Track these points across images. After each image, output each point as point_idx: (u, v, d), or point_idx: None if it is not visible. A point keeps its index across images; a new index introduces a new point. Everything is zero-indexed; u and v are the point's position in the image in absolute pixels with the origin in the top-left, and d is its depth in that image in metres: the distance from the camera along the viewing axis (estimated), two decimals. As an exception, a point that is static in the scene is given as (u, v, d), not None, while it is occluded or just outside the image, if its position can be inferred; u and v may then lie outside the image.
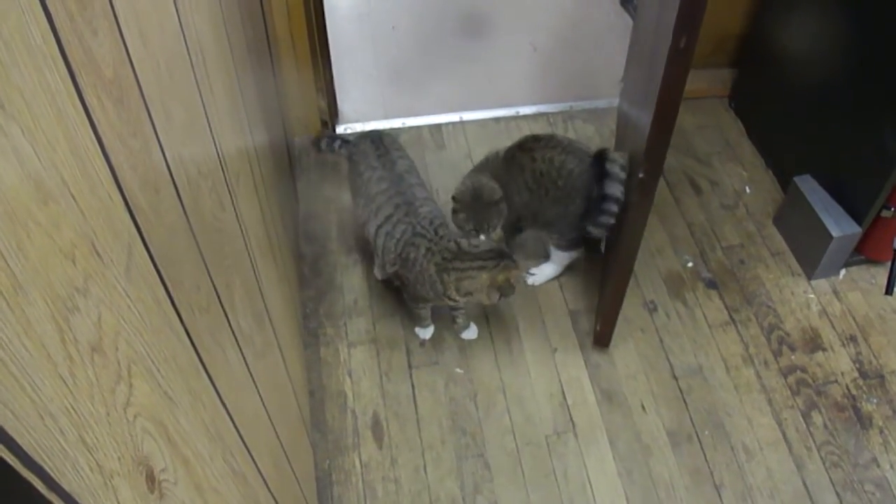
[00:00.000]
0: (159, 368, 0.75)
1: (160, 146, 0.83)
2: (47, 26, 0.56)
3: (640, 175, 1.75)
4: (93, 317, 0.60)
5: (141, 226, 0.73)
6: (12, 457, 0.48)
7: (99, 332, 0.61)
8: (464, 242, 2.02)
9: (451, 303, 2.11)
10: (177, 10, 0.99)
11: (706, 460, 2.10)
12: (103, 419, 0.61)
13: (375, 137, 2.32)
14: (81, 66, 0.62)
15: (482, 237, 2.17)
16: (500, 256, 2.00)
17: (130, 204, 0.70)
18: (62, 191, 0.56)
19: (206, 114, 1.11)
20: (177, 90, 0.95)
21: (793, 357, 2.32)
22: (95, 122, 0.63)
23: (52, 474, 0.53)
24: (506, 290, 2.02)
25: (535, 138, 2.31)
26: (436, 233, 2.06)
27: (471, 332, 2.33)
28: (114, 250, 0.66)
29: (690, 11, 1.43)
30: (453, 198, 2.21)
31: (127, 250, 0.69)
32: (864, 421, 2.18)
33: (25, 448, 0.49)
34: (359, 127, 2.99)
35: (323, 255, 2.56)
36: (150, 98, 0.81)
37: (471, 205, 2.19)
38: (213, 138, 1.15)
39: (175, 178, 0.87)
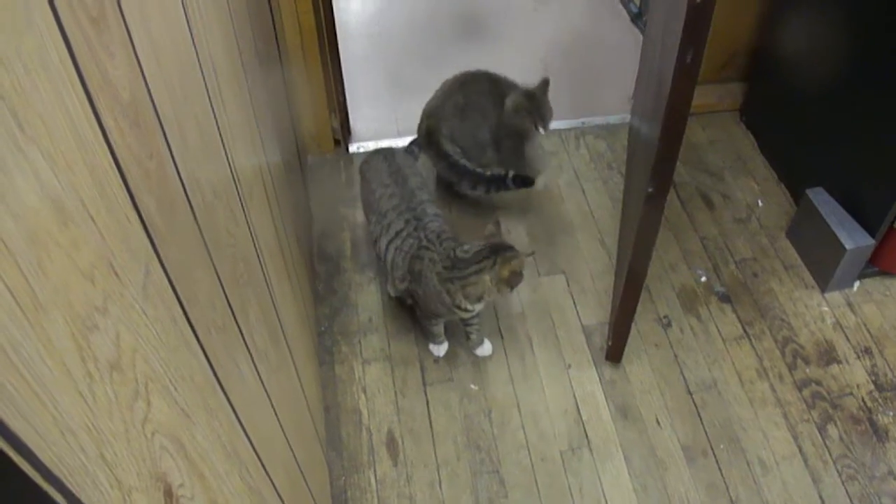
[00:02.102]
0: (176, 386, 0.76)
1: (175, 166, 0.84)
2: (65, 50, 0.58)
3: (650, 190, 1.75)
4: (111, 335, 0.61)
5: (157, 245, 0.74)
6: (34, 471, 0.49)
7: (117, 351, 0.62)
8: (458, 250, 2.03)
9: (465, 313, 2.11)
10: (190, 32, 1.01)
11: (721, 475, 2.10)
12: (122, 436, 0.62)
13: (388, 154, 2.33)
14: (99, 88, 0.63)
15: (542, 131, 2.66)
16: (495, 252, 2.00)
17: (147, 224, 0.71)
18: (81, 212, 0.58)
19: (219, 133, 1.12)
20: (191, 110, 0.97)
21: (807, 370, 2.31)
22: (113, 144, 0.64)
23: (72, 489, 0.54)
24: (514, 280, 2.02)
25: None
26: (441, 244, 2.08)
27: (485, 349, 2.33)
28: (131, 270, 0.67)
29: (696, 26, 1.43)
30: (515, 106, 2.62)
31: (144, 270, 0.70)
32: (880, 434, 2.17)
33: (46, 463, 0.50)
34: (371, 145, 3.01)
35: (337, 274, 2.57)
36: (166, 119, 0.82)
37: (530, 105, 2.62)
38: (227, 157, 1.16)
39: (190, 198, 0.89)
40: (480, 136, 2.66)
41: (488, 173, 2.60)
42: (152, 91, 0.78)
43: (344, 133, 3.00)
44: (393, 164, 2.29)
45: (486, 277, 1.99)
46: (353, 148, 3.02)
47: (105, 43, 0.66)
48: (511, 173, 2.60)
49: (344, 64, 2.85)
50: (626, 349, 2.30)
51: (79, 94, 0.59)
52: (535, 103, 2.62)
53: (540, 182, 2.80)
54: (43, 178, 0.52)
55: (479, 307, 2.10)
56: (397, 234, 2.14)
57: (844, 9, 2.43)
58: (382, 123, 3.12)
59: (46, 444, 0.50)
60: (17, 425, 0.47)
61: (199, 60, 1.04)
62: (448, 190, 2.73)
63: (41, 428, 0.50)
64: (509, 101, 2.64)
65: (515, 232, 2.69)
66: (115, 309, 0.62)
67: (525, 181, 2.64)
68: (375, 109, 3.19)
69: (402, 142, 3.01)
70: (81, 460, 0.55)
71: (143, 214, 0.70)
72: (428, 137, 2.65)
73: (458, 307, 2.06)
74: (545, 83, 2.65)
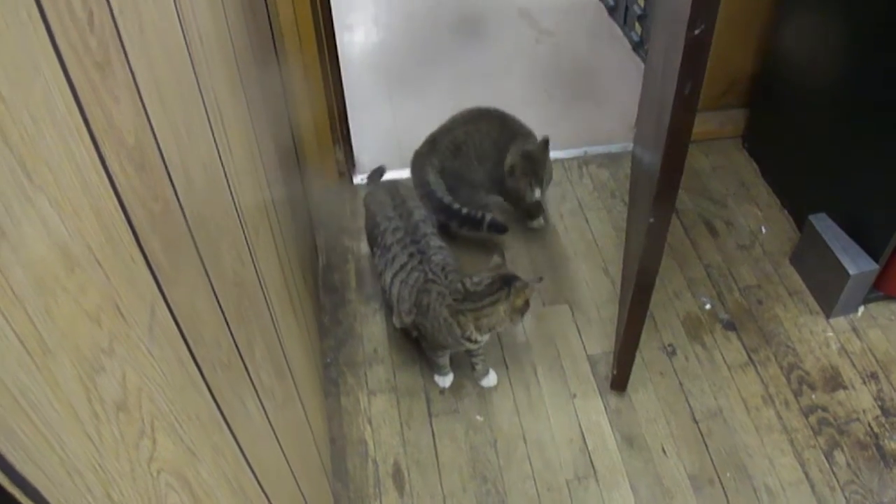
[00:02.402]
0: (182, 424, 0.77)
1: (180, 206, 0.85)
2: (71, 98, 0.59)
3: (651, 220, 1.76)
4: (118, 376, 0.62)
5: (163, 285, 0.75)
6: (42, 514, 0.50)
7: (124, 391, 0.63)
8: (468, 282, 2.04)
9: (473, 345, 2.12)
10: (195, 74, 1.02)
11: (728, 503, 2.09)
12: (128, 475, 0.63)
13: (392, 187, 2.35)
14: (104, 134, 0.64)
15: (537, 195, 2.59)
16: (507, 283, 2.02)
17: (152, 265, 0.73)
18: (87, 257, 0.59)
19: (224, 170, 1.14)
20: (195, 150, 0.98)
21: (813, 396, 2.31)
22: (118, 188, 0.66)
23: (80, 530, 0.55)
24: (524, 308, 2.04)
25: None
26: (445, 277, 2.09)
27: (490, 380, 2.33)
28: (137, 311, 0.68)
29: (694, 58, 1.45)
30: (511, 167, 2.57)
31: (150, 310, 0.71)
32: (887, 459, 2.17)
33: (55, 505, 0.51)
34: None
35: (342, 305, 2.58)
36: (170, 160, 0.84)
37: (527, 166, 2.55)
38: (231, 194, 1.17)
39: (195, 237, 0.90)
40: (472, 178, 2.67)
41: (464, 211, 2.61)
42: (157, 133, 0.80)
43: (348, 165, 3.02)
44: (397, 196, 2.31)
45: (501, 308, 2.01)
46: (357, 179, 3.04)
47: (110, 87, 0.67)
48: (488, 218, 2.61)
49: (347, 96, 2.88)
50: (631, 378, 2.30)
51: (84, 140, 0.60)
52: (533, 165, 2.57)
53: (536, 223, 2.82)
54: (50, 225, 0.53)
55: (486, 338, 2.11)
56: (402, 267, 2.16)
57: (844, 35, 2.45)
58: (386, 155, 3.13)
59: (54, 486, 0.51)
60: (25, 468, 0.48)
61: (203, 100, 1.05)
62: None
63: (49, 470, 0.51)
64: (507, 161, 2.59)
65: (519, 262, 2.70)
66: (121, 350, 0.63)
67: (499, 229, 2.65)
68: (379, 141, 3.21)
69: (407, 173, 3.02)
70: (88, 501, 0.56)
71: (148, 256, 0.72)
72: (416, 161, 2.68)
73: (468, 339, 2.07)
74: (545, 144, 2.60)
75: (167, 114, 0.86)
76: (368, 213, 2.38)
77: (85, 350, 0.57)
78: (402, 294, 2.16)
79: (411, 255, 2.15)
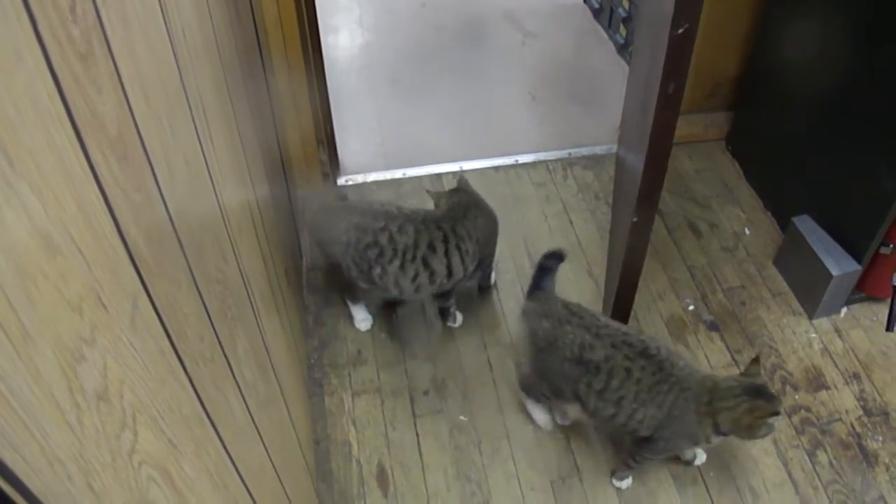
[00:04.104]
0: (163, 417, 0.76)
1: (163, 200, 0.85)
2: (54, 87, 0.59)
3: (635, 219, 1.76)
4: (99, 366, 0.62)
5: (145, 278, 0.75)
6: (23, 500, 0.49)
7: (105, 381, 0.63)
8: (444, 205, 2.28)
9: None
10: (178, 68, 1.02)
11: (712, 503, 2.10)
12: (109, 466, 0.63)
13: (328, 204, 2.36)
14: (87, 124, 0.64)
15: (777, 422, 1.82)
16: (759, 396, 1.82)
17: (134, 256, 0.72)
18: (69, 245, 0.59)
19: (207, 167, 1.14)
20: (178, 145, 0.98)
21: (796, 396, 2.32)
22: (100, 178, 0.66)
23: (60, 519, 0.54)
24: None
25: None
26: (444, 220, 2.23)
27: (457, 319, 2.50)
28: (119, 302, 0.68)
29: (678, 56, 1.46)
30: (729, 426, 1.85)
31: (132, 301, 0.71)
32: (869, 459, 2.18)
33: (35, 492, 0.51)
34: (360, 178, 3.02)
35: (326, 306, 2.58)
36: (153, 153, 0.83)
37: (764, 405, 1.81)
38: (214, 191, 1.17)
39: (178, 231, 0.90)
40: None
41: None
42: (140, 125, 0.80)
43: (332, 166, 3.01)
44: (344, 203, 2.30)
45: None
46: (341, 181, 3.04)
47: (93, 78, 0.67)
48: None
49: (332, 97, 2.87)
50: (616, 378, 2.30)
51: (67, 130, 0.60)
52: (765, 396, 1.82)
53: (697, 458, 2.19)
54: (31, 212, 0.53)
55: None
56: (406, 248, 2.15)
57: (828, 39, 2.46)
58: (370, 157, 3.14)
59: (34, 473, 0.51)
60: (5, 454, 0.48)
61: (186, 94, 1.05)
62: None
63: (29, 457, 0.51)
64: (726, 417, 1.83)
65: (503, 264, 2.70)
66: (102, 340, 0.63)
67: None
68: (363, 143, 3.21)
69: (391, 174, 3.02)
70: (69, 489, 0.56)
71: (130, 247, 0.71)
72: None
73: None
74: (755, 362, 1.89)
75: (150, 106, 0.85)
76: (317, 228, 2.37)
77: (66, 338, 0.57)
78: (437, 269, 2.22)
79: (418, 232, 2.16)
